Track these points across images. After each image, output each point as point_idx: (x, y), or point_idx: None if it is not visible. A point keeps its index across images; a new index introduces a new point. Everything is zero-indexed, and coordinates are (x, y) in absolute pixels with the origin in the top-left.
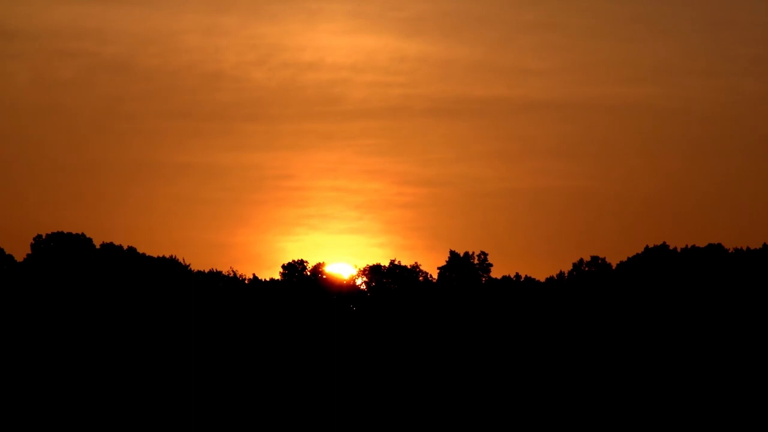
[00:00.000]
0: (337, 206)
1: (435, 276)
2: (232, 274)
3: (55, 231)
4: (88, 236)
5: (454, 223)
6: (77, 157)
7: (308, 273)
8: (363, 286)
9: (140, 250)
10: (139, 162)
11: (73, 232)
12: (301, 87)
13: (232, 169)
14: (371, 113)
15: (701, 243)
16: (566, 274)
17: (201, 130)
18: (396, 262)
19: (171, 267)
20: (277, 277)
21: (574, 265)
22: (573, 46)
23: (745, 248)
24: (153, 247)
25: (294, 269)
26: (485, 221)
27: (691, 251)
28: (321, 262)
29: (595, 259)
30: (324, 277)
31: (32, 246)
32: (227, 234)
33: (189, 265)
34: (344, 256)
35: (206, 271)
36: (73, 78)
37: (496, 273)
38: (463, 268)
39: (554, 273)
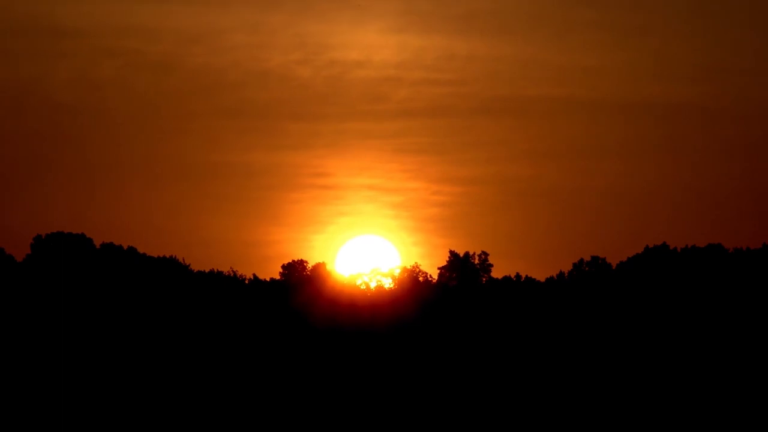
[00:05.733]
0: (373, 205)
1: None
2: (232, 274)
3: (61, 231)
4: (88, 236)
5: (466, 223)
6: (103, 157)
7: (308, 273)
8: (363, 286)
9: (144, 251)
10: (170, 161)
11: (74, 232)
12: (347, 85)
13: (269, 168)
14: (416, 112)
15: (701, 243)
16: (566, 274)
17: (245, 129)
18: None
19: (171, 267)
20: (277, 277)
21: (574, 265)
22: (623, 45)
23: (745, 248)
24: (167, 248)
25: (294, 269)
26: (486, 221)
27: (691, 251)
28: (322, 262)
29: (595, 259)
30: (324, 277)
31: (32, 246)
32: (262, 233)
33: (189, 265)
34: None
35: (206, 271)
36: (114, 77)
37: (496, 273)
38: (464, 268)
39: (554, 273)
